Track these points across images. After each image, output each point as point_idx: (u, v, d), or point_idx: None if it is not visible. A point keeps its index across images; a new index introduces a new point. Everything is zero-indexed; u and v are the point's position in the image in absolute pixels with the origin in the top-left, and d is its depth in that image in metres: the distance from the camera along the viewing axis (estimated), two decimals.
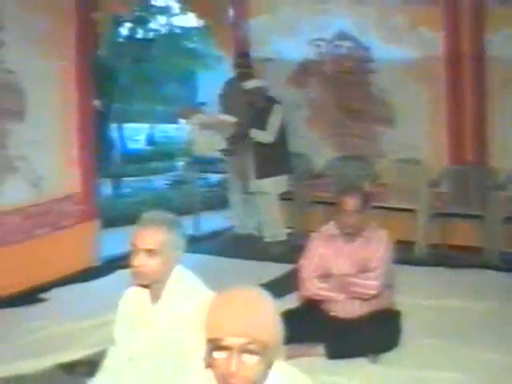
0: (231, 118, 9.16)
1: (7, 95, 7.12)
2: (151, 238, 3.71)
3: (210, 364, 2.51)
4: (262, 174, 8.96)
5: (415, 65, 8.92)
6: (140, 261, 3.72)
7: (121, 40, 17.54)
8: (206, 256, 7.62)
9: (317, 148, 9.69)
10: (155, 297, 3.88)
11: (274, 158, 8.92)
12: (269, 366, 2.56)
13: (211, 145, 9.23)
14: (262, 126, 8.97)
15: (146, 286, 3.88)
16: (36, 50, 7.35)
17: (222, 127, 9.21)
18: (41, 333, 5.95)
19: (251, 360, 2.45)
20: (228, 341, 2.44)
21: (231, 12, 10.37)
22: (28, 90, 7.27)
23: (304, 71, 9.86)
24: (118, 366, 4.07)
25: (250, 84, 9.14)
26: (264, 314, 2.52)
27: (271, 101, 9.10)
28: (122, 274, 7.22)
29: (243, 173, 9.32)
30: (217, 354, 2.45)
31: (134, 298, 3.99)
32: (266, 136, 8.92)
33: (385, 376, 5.15)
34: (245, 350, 2.44)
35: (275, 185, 9.12)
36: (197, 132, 9.38)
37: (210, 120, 9.31)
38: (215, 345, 2.44)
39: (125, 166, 15.83)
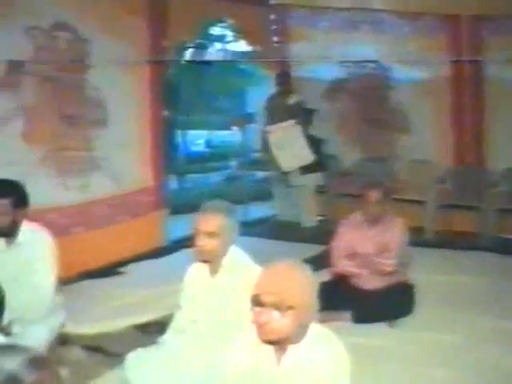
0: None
1: (94, 107, 7.21)
2: (211, 222, 3.76)
3: (252, 319, 2.61)
4: (306, 170, 9.02)
5: (425, 83, 8.94)
6: (202, 241, 3.77)
7: (184, 62, 17.64)
8: (254, 238, 7.63)
9: (345, 150, 9.71)
10: (214, 271, 3.93)
11: (315, 158, 8.99)
12: (301, 325, 2.65)
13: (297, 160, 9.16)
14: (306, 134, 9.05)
15: (206, 262, 3.93)
16: (117, 70, 7.42)
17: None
18: (120, 299, 6.03)
19: (279, 316, 2.56)
20: (262, 297, 2.56)
21: (275, 39, 10.36)
22: (110, 102, 7.35)
23: (334, 88, 9.86)
24: (182, 327, 4.12)
25: (292, 99, 9.17)
26: (294, 280, 2.62)
27: (310, 112, 9.15)
28: (185, 253, 7.28)
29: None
30: (254, 309, 2.57)
31: (196, 271, 4.04)
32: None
33: (400, 338, 5.18)
34: (275, 307, 2.55)
35: (312, 180, 9.17)
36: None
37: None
38: (254, 301, 2.54)
39: (187, 165, 15.87)
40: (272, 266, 2.74)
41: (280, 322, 2.58)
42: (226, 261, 3.87)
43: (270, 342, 2.71)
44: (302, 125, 9.04)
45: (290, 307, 2.57)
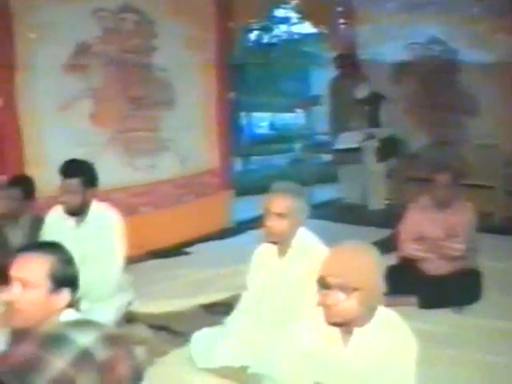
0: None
1: (161, 88, 7.23)
2: (281, 203, 3.74)
3: (318, 301, 2.62)
4: (382, 158, 8.97)
5: (494, 65, 8.69)
6: (271, 222, 3.76)
7: (249, 44, 17.66)
8: (320, 221, 7.58)
9: (413, 135, 9.54)
10: (282, 252, 3.92)
11: (389, 146, 8.93)
12: (368, 307, 2.65)
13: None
14: (375, 120, 8.99)
15: (274, 243, 3.91)
16: (183, 52, 7.42)
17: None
18: (186, 278, 6.06)
19: (345, 297, 2.56)
20: (327, 279, 2.56)
21: (341, 21, 10.24)
22: (177, 84, 7.36)
23: (401, 71, 9.70)
24: (249, 307, 4.12)
25: (362, 92, 9.02)
26: (359, 261, 2.61)
27: (378, 97, 9.02)
28: (250, 234, 7.31)
29: None
30: (320, 291, 2.58)
31: (265, 252, 4.04)
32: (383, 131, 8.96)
33: (466, 324, 5.07)
34: (340, 288, 2.55)
35: (383, 164, 9.09)
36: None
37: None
38: (320, 283, 2.55)
39: (252, 147, 15.84)
40: (337, 248, 2.74)
41: (346, 303, 2.57)
42: (294, 242, 3.85)
43: (337, 324, 2.71)
44: (370, 112, 8.94)
45: (356, 289, 2.56)
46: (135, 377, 1.45)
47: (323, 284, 2.60)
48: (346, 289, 2.55)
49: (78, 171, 4.54)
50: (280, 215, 3.75)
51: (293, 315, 3.68)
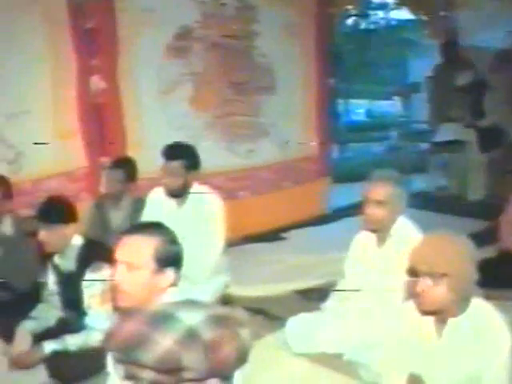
0: None
1: (261, 74, 7.26)
2: (381, 191, 3.71)
3: (410, 290, 2.62)
4: (485, 148, 8.76)
5: None
6: (371, 210, 3.74)
7: (347, 31, 17.55)
8: (415, 210, 7.47)
9: None
10: (381, 241, 3.88)
11: (492, 136, 8.72)
12: (458, 296, 2.63)
13: None
14: (478, 109, 8.77)
15: (373, 231, 3.88)
16: (283, 38, 7.43)
17: None
18: (282, 264, 6.06)
19: (433, 284, 2.56)
20: (416, 266, 2.59)
21: (442, 6, 10.00)
22: (277, 70, 7.37)
23: (502, 58, 9.42)
24: (346, 295, 4.10)
25: (464, 78, 8.81)
26: (447, 248, 2.60)
27: (481, 84, 8.80)
28: (346, 221, 7.25)
29: None
30: (411, 280, 2.63)
31: (363, 240, 4.01)
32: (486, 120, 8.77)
33: None
34: (428, 275, 2.56)
35: (484, 155, 8.88)
36: None
37: None
38: (410, 271, 2.59)
39: (348, 134, 15.77)
40: (426, 237, 2.76)
41: (435, 290, 2.58)
42: (394, 231, 3.81)
43: (429, 313, 2.72)
44: (472, 101, 8.73)
45: (444, 274, 2.56)
46: (240, 358, 1.47)
47: (413, 272, 2.63)
48: (433, 275, 2.56)
49: (181, 154, 4.61)
50: (379, 203, 3.71)
51: (391, 304, 3.66)
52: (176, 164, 4.56)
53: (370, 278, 3.93)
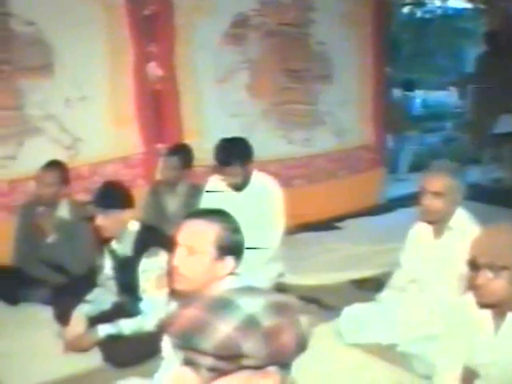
0: None
1: (318, 61, 7.21)
2: (438, 182, 3.66)
3: (469, 283, 2.59)
4: None
5: None
6: (428, 201, 3.69)
7: (403, 20, 17.36)
8: (471, 202, 7.36)
9: None
10: (438, 232, 3.84)
11: None
12: None
13: None
14: None
15: (431, 223, 3.83)
16: (340, 26, 7.36)
17: None
18: (336, 253, 6.03)
19: (493, 277, 2.52)
20: (476, 259, 2.55)
21: None
22: (334, 58, 7.32)
23: None
24: (402, 286, 4.07)
25: None
26: (507, 240, 2.57)
27: None
28: (401, 212, 7.19)
29: None
30: (470, 272, 2.59)
31: (420, 231, 3.96)
32: None
33: None
34: (488, 267, 2.52)
35: None
36: None
37: None
38: (469, 264, 2.58)
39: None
40: (487, 229, 2.74)
41: (495, 283, 2.54)
42: (451, 223, 3.76)
43: (488, 306, 2.69)
44: None
45: (505, 267, 2.52)
46: (299, 346, 1.46)
47: (473, 264, 2.59)
48: (494, 267, 2.52)
49: (234, 156, 4.64)
50: (437, 194, 3.67)
51: (447, 296, 3.62)
52: (232, 168, 4.60)
53: (426, 270, 3.89)
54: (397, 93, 10.60)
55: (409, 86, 10.81)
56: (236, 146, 4.72)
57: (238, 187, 4.70)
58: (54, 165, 4.87)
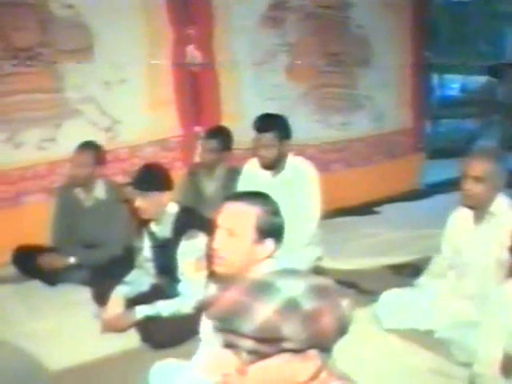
0: None
1: (357, 45, 7.19)
2: (480, 167, 3.61)
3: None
4: None
5: None
6: (469, 185, 3.64)
7: (442, 3, 17.19)
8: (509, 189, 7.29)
9: None
10: (479, 218, 3.78)
11: None
12: None
13: None
14: None
15: (471, 208, 3.78)
16: (379, 9, 7.33)
17: None
18: (374, 238, 6.01)
19: None
20: None
21: None
22: (373, 41, 7.28)
23: None
24: (441, 272, 4.03)
25: None
26: None
27: None
28: (438, 198, 7.14)
29: None
30: (510, 259, 2.53)
31: (460, 217, 3.91)
32: None
33: None
34: None
35: None
36: None
37: None
38: (510, 251, 2.50)
39: (441, 109, 15.44)
40: None
41: None
42: (492, 208, 3.70)
43: None
44: None
45: None
46: (340, 329, 1.45)
47: None
48: None
49: (273, 125, 4.61)
50: (478, 179, 3.61)
51: (487, 283, 3.59)
52: (269, 136, 4.56)
53: (466, 256, 3.84)
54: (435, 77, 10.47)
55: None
56: (276, 117, 4.75)
57: (273, 164, 4.67)
58: (88, 146, 4.90)
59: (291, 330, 1.34)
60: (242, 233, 2.31)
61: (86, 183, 4.93)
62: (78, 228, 5.00)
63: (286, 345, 1.36)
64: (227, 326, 1.37)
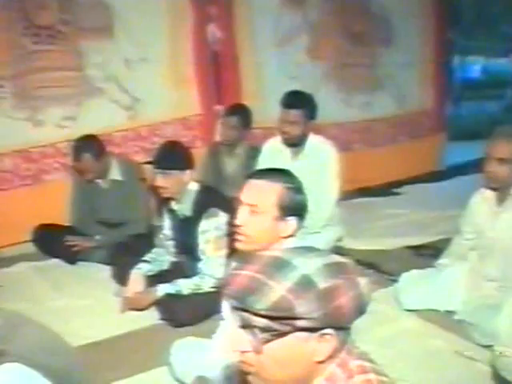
0: None
1: (379, 24, 7.12)
2: (504, 148, 3.58)
3: None
4: None
5: None
6: (492, 167, 3.61)
7: None
8: None
9: None
10: (501, 200, 3.75)
11: None
12: None
13: None
14: None
15: (494, 190, 3.75)
16: None
17: None
18: (394, 219, 5.99)
19: None
20: None
21: None
22: (395, 21, 7.21)
23: None
24: (462, 253, 4.00)
25: None
26: None
27: None
28: (460, 180, 7.09)
29: None
30: None
31: (482, 199, 3.87)
32: None
33: None
34: None
35: None
36: None
37: None
38: None
39: (463, 91, 15.32)
40: None
41: None
42: None
43: None
44: None
45: None
46: (357, 308, 1.43)
47: None
48: None
49: (301, 103, 4.60)
50: (502, 161, 3.58)
51: (508, 265, 3.56)
52: (296, 112, 4.54)
53: (488, 237, 3.81)
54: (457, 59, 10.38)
55: None
56: (305, 95, 4.73)
57: (296, 141, 4.65)
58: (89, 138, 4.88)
59: (305, 308, 1.33)
60: (265, 210, 2.31)
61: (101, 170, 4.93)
62: (96, 210, 5.03)
63: (301, 323, 1.35)
64: (242, 304, 1.36)
